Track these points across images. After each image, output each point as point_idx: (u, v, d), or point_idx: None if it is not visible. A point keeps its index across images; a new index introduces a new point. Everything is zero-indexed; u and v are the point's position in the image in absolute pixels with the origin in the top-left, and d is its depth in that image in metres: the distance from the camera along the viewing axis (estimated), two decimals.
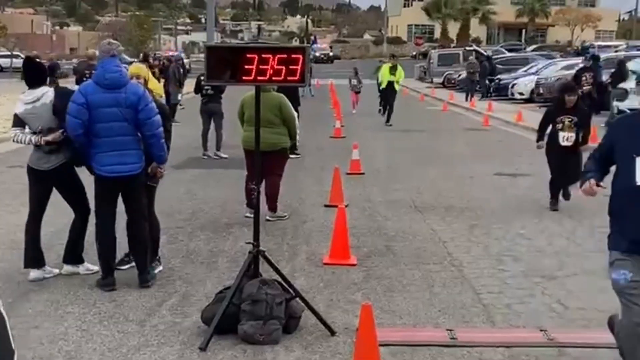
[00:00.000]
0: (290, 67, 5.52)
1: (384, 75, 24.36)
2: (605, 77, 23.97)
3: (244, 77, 5.57)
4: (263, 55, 5.50)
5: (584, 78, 19.52)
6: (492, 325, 6.02)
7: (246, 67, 5.52)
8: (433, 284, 7.10)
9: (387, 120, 23.41)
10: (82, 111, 6.48)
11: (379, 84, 25.23)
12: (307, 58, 5.53)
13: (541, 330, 5.74)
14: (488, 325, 6.02)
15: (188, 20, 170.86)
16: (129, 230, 6.90)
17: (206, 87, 15.09)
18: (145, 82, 7.18)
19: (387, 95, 24.17)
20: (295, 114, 9.70)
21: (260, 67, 5.51)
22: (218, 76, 5.73)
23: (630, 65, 22.69)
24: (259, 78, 5.56)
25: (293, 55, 5.52)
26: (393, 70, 23.92)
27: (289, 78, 5.56)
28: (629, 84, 20.58)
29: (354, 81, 29.67)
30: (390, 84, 23.82)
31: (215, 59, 5.63)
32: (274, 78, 5.57)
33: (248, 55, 5.52)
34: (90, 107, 6.48)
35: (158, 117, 6.66)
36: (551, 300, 6.63)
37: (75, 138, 6.64)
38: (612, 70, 23.20)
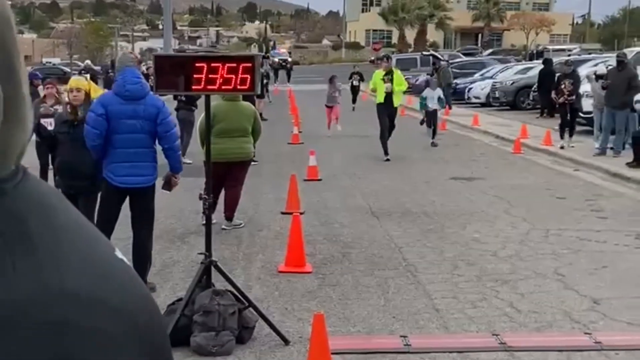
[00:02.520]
0: (241, 76, 5.51)
1: (377, 84, 16.57)
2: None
3: (193, 87, 5.54)
4: (212, 65, 5.48)
5: (562, 85, 18.38)
6: (446, 330, 6.06)
7: (195, 76, 5.49)
8: (388, 290, 7.12)
9: (385, 153, 16.41)
10: (101, 122, 6.56)
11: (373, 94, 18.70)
12: (257, 67, 5.53)
13: (493, 335, 5.79)
14: (442, 330, 6.06)
15: (145, 27, 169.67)
16: (135, 240, 6.93)
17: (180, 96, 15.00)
18: (87, 94, 7.14)
19: (382, 113, 16.48)
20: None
21: (210, 76, 5.49)
22: (167, 85, 5.68)
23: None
24: (208, 87, 5.54)
25: (243, 64, 5.50)
26: (388, 76, 16.28)
27: (239, 87, 5.55)
28: (582, 88, 20.83)
29: (331, 91, 24.16)
30: (387, 97, 16.30)
31: (164, 68, 5.59)
32: (223, 87, 5.56)
33: (197, 65, 5.49)
34: (110, 117, 6.55)
35: (176, 129, 6.78)
36: (504, 304, 6.68)
37: (93, 148, 6.70)
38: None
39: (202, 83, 5.51)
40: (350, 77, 32.63)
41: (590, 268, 7.83)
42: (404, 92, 17.42)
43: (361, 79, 32.56)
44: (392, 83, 16.08)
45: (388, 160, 16.03)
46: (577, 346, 5.61)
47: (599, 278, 7.49)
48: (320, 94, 42.58)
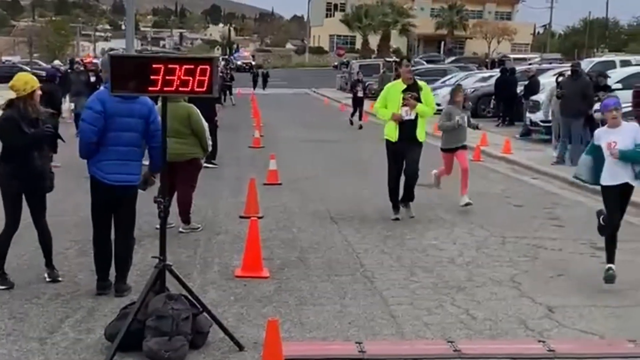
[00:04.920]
0: (198, 77, 5.45)
1: (391, 102, 10.26)
2: (519, 89, 24.60)
3: (150, 88, 5.47)
4: (169, 66, 5.41)
5: (596, 98, 16.49)
6: (401, 337, 6.04)
7: (152, 77, 5.42)
8: (344, 296, 7.09)
9: (394, 207, 10.76)
10: (99, 119, 6.58)
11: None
12: (215, 69, 5.47)
13: (448, 342, 5.79)
14: (397, 337, 6.04)
15: (108, 27, 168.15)
16: (117, 238, 6.96)
17: None
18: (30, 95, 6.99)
19: (395, 155, 10.50)
20: (206, 124, 9.57)
21: (167, 77, 5.42)
22: (124, 86, 5.59)
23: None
24: (165, 89, 5.47)
25: (201, 66, 5.44)
26: (410, 94, 10.12)
27: (196, 89, 5.48)
28: (541, 96, 21.09)
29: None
30: (404, 130, 10.18)
31: (120, 69, 5.50)
32: (181, 89, 5.49)
33: (154, 66, 5.42)
34: (107, 115, 6.56)
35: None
36: (460, 311, 6.69)
37: (88, 146, 6.69)
38: (526, 82, 23.77)
39: (159, 84, 5.44)
40: (354, 87, 28.57)
41: (546, 276, 7.89)
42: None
43: (365, 89, 29.31)
44: (417, 103, 10.00)
45: (397, 219, 10.45)
46: (530, 354, 5.64)
47: (555, 286, 7.55)
48: (283, 97, 42.73)
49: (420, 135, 10.34)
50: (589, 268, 8.28)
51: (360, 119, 26.52)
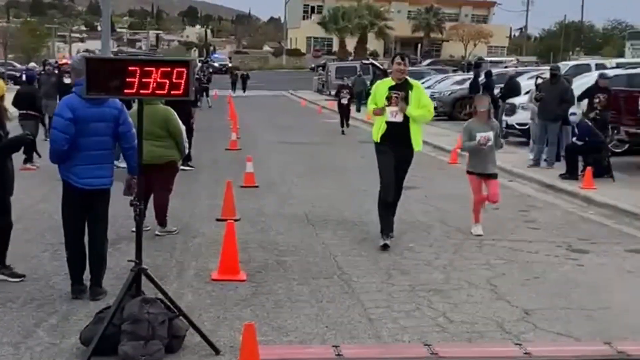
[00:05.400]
0: (174, 80, 5.42)
1: (379, 101, 9.12)
2: (496, 91, 24.70)
3: (126, 90, 5.43)
4: (145, 68, 5.37)
5: (597, 100, 15.50)
6: (378, 340, 6.04)
7: (128, 80, 5.38)
8: (322, 299, 7.08)
9: (382, 231, 9.24)
10: (70, 126, 6.54)
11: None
12: (191, 72, 5.44)
13: (425, 345, 5.79)
14: (374, 340, 6.03)
15: (83, 28, 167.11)
16: (90, 241, 6.93)
17: None
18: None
19: (386, 158, 9.12)
20: (183, 127, 9.53)
21: (143, 80, 5.38)
22: (99, 89, 5.53)
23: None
24: (141, 91, 5.43)
25: (177, 69, 5.41)
26: (398, 93, 8.96)
27: (172, 92, 5.45)
28: (518, 99, 21.22)
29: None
30: (393, 131, 9.00)
31: (96, 71, 5.45)
32: (157, 92, 5.45)
33: (130, 68, 5.38)
34: (77, 121, 6.53)
35: (134, 130, 6.71)
36: (436, 314, 6.70)
37: (60, 153, 6.63)
38: (502, 85, 23.89)
39: (135, 87, 5.40)
40: (338, 93, 27.24)
41: (522, 279, 7.92)
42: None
43: (351, 96, 27.78)
44: (405, 104, 8.87)
45: (385, 246, 8.97)
46: (507, 357, 5.65)
47: (531, 289, 7.58)
48: (260, 100, 42.67)
49: (414, 142, 8.99)
50: (564, 270, 8.33)
51: (347, 125, 25.72)
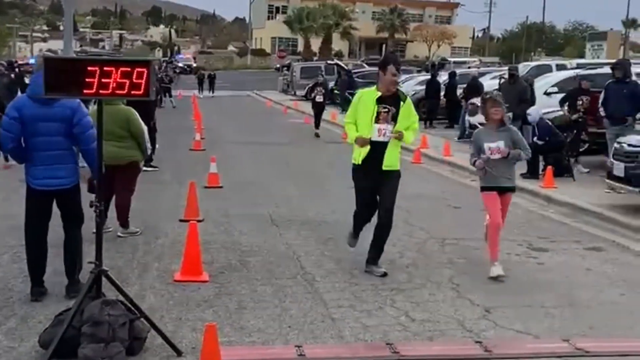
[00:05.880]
0: (135, 80, 5.39)
1: (362, 116, 7.81)
2: (459, 92, 24.91)
3: (85, 90, 5.38)
4: (105, 68, 5.33)
5: (580, 102, 15.47)
6: (341, 340, 6.05)
7: (87, 80, 5.33)
8: (285, 299, 7.08)
9: (369, 260, 8.19)
10: (14, 125, 6.51)
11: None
12: (152, 72, 5.41)
13: (387, 344, 5.82)
14: (336, 340, 6.05)
15: (45, 28, 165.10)
16: (65, 240, 6.96)
17: None
18: None
19: (364, 182, 8.04)
20: (145, 127, 9.47)
21: (103, 80, 5.34)
22: (58, 89, 5.47)
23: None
24: (101, 91, 5.39)
25: (137, 69, 5.38)
26: (388, 109, 7.72)
27: (133, 92, 5.42)
28: (478, 100, 21.40)
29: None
30: (375, 152, 7.80)
31: (54, 71, 5.39)
32: (117, 92, 5.41)
33: (89, 68, 5.33)
34: (24, 121, 6.50)
35: (93, 130, 6.63)
36: (399, 313, 6.74)
37: (10, 152, 6.71)
38: (465, 85, 24.09)
39: (95, 87, 5.35)
40: (312, 90, 25.63)
41: (484, 277, 7.99)
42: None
43: (326, 93, 25.90)
44: (394, 122, 7.74)
45: (385, 274, 7.89)
46: (467, 355, 5.71)
47: (492, 287, 7.66)
48: (225, 100, 42.52)
49: (392, 161, 7.90)
50: (525, 269, 8.43)
51: (317, 126, 24.36)
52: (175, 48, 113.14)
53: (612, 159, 11.62)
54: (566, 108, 15.91)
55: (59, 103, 6.57)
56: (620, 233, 10.35)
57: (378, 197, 8.00)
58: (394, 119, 7.71)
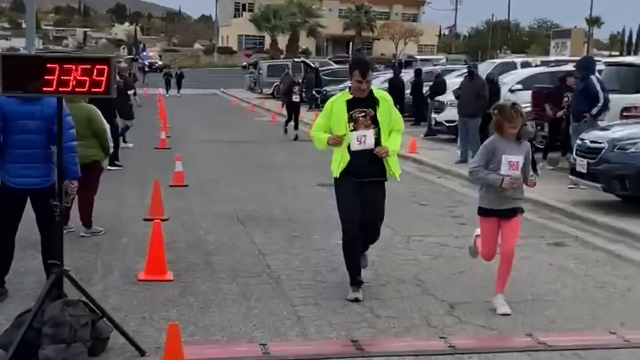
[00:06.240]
0: (95, 78, 5.33)
1: (336, 124, 6.93)
2: (425, 89, 25.04)
3: (44, 88, 5.32)
4: (65, 66, 5.27)
5: (565, 99, 15.16)
6: (306, 337, 6.05)
7: (47, 77, 5.27)
8: (250, 297, 7.06)
9: (353, 282, 7.21)
10: None
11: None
12: (112, 69, 5.36)
13: (352, 341, 5.83)
14: (302, 337, 6.04)
15: (7, 25, 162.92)
16: (42, 241, 6.87)
17: None
18: None
19: (348, 196, 6.99)
20: (108, 126, 9.38)
21: (62, 77, 5.28)
22: (16, 86, 5.40)
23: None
24: (61, 89, 5.34)
25: (97, 66, 5.33)
26: (366, 113, 6.89)
27: (93, 89, 5.37)
28: (446, 97, 21.53)
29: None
30: (362, 160, 6.89)
31: (12, 69, 5.32)
32: (77, 89, 5.37)
33: (49, 66, 5.27)
34: (5, 118, 6.39)
35: (73, 130, 6.59)
36: (364, 310, 6.74)
37: None
38: (431, 82, 24.22)
39: (54, 85, 5.30)
40: (289, 90, 23.91)
41: (449, 273, 8.04)
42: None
43: (302, 92, 24.82)
44: (375, 126, 6.89)
45: (357, 300, 6.95)
46: (432, 350, 5.73)
47: (456, 283, 7.70)
48: (191, 98, 42.29)
49: (393, 169, 7.02)
50: (489, 264, 8.46)
51: (296, 127, 22.94)
52: (141, 46, 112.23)
53: (574, 156, 11.75)
54: (548, 106, 15.95)
55: (42, 102, 6.46)
56: (583, 229, 10.47)
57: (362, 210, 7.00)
58: (374, 121, 6.84)
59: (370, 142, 6.83)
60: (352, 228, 7.00)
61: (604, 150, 10.98)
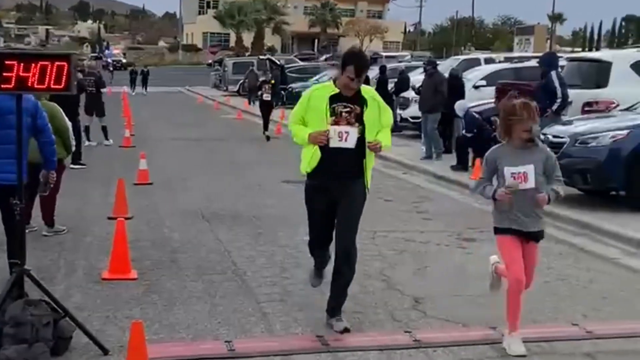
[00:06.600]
0: (55, 74, 5.27)
1: (313, 116, 6.08)
2: (389, 86, 25.10)
3: (3, 85, 5.24)
4: (24, 62, 5.20)
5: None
6: (271, 334, 6.04)
7: (5, 74, 5.20)
8: (215, 295, 7.03)
9: (330, 314, 6.23)
10: None
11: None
12: (72, 66, 5.30)
13: (317, 337, 5.83)
14: (267, 334, 6.04)
15: None
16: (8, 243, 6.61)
17: None
18: None
19: (318, 201, 6.28)
20: (69, 123, 9.27)
21: (22, 74, 5.21)
22: None
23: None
24: (20, 86, 5.26)
25: (57, 63, 5.26)
26: (351, 108, 6.03)
27: (53, 86, 5.30)
28: (411, 93, 21.62)
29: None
30: (339, 159, 6.04)
31: None
32: (37, 86, 5.29)
33: (7, 62, 5.20)
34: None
35: (49, 125, 6.66)
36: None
37: None
38: (396, 79, 24.28)
39: (13, 82, 5.22)
40: (260, 88, 22.89)
41: (414, 268, 8.09)
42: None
43: (274, 91, 23.18)
44: (359, 124, 6.06)
45: (346, 330, 5.98)
46: (397, 345, 5.75)
47: (421, 277, 7.75)
48: (156, 96, 42.00)
49: (367, 175, 6.28)
50: (454, 259, 8.55)
51: (266, 128, 21.95)
52: (104, 44, 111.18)
53: None
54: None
55: (24, 97, 6.33)
56: (546, 222, 10.54)
57: (336, 223, 6.18)
58: (359, 120, 6.00)
59: (352, 141, 5.98)
60: (324, 241, 6.41)
61: (565, 145, 11.10)
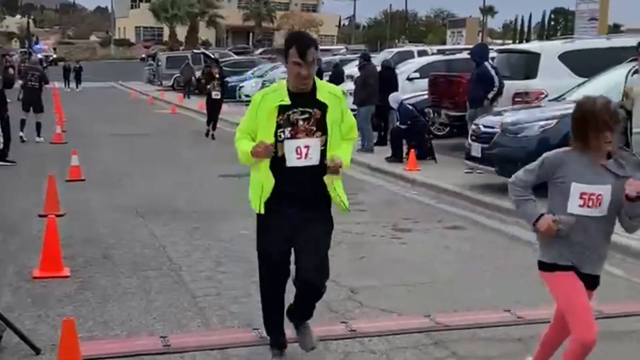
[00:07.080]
0: None
1: (263, 128, 4.77)
2: (325, 79, 25.16)
3: None
4: None
5: None
6: (207, 328, 6.01)
7: None
8: (150, 290, 6.95)
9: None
10: None
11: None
12: None
13: (254, 329, 5.82)
14: (203, 328, 6.00)
15: None
16: None
17: None
18: None
19: (273, 237, 5.12)
20: None
21: None
22: None
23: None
24: None
25: None
26: (308, 116, 4.75)
27: None
28: (347, 86, 21.70)
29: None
30: (299, 179, 4.81)
31: None
32: None
33: None
34: None
35: None
36: None
37: None
38: (330, 72, 24.36)
39: None
40: (208, 83, 21.49)
41: (349, 259, 8.12)
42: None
43: (223, 87, 21.39)
44: (321, 132, 4.77)
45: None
46: (333, 335, 5.79)
47: (357, 268, 7.79)
48: (88, 91, 41.38)
49: (341, 198, 5.13)
50: (389, 249, 8.63)
51: (214, 127, 20.53)
52: (34, 38, 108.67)
53: (469, 141, 12.04)
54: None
55: None
56: (478, 211, 10.75)
57: (294, 257, 5.05)
58: (320, 127, 4.80)
59: (315, 156, 4.78)
60: (273, 289, 5.22)
61: (496, 135, 11.30)
